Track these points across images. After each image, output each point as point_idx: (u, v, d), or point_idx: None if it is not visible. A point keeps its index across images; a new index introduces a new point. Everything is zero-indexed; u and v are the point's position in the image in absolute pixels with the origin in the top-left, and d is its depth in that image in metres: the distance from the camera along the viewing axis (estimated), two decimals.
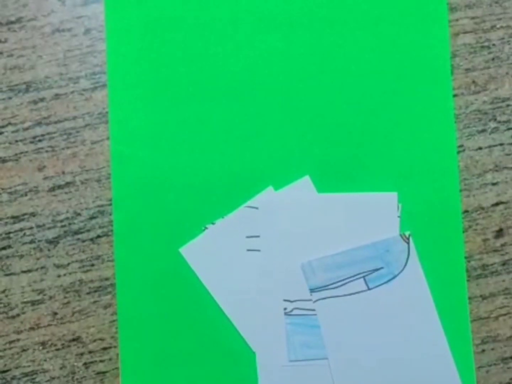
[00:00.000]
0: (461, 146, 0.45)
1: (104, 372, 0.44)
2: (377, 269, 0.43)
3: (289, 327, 0.43)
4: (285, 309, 0.44)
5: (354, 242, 0.44)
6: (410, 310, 0.42)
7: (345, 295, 0.43)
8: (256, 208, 0.44)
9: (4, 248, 0.44)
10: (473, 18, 0.46)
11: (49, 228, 0.45)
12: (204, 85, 0.45)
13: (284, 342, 0.43)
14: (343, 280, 0.43)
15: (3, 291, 0.44)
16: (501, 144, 0.46)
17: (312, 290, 0.43)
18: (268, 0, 0.46)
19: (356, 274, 0.43)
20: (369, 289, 0.43)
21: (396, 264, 0.43)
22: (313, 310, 0.43)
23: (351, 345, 0.43)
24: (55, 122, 0.45)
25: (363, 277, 0.43)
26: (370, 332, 0.43)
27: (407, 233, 0.43)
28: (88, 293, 0.44)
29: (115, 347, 0.44)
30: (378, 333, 0.43)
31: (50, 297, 0.44)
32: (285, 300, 0.44)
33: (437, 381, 0.43)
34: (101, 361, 0.44)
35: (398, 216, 0.44)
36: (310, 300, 0.43)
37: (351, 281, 0.43)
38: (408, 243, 0.43)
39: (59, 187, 0.45)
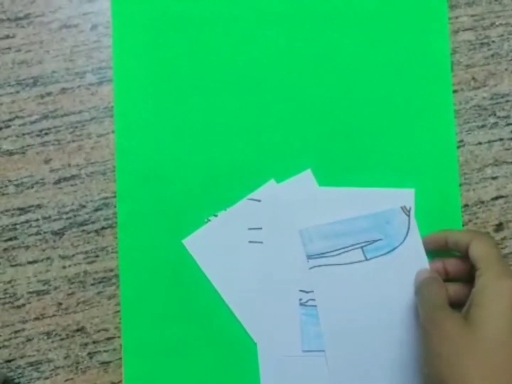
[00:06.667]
0: (461, 141, 0.46)
1: (108, 362, 0.44)
2: (376, 240, 0.42)
3: (303, 317, 0.44)
4: (300, 299, 0.44)
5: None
6: (408, 283, 0.41)
7: (342, 264, 0.43)
8: (259, 200, 0.45)
9: (10, 239, 0.45)
10: (472, 15, 0.47)
11: (54, 220, 0.45)
12: (207, 80, 0.46)
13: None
14: (341, 249, 0.43)
15: (9, 281, 0.45)
16: (501, 139, 0.46)
17: (309, 257, 0.44)
18: None
19: (354, 244, 0.43)
20: (366, 259, 0.43)
21: (396, 237, 0.42)
22: None
23: (345, 314, 0.43)
24: (62, 116, 0.46)
25: (361, 247, 0.43)
26: (365, 302, 0.43)
27: (408, 206, 0.42)
28: (92, 284, 0.45)
29: (119, 337, 0.44)
30: (373, 304, 0.43)
31: (55, 288, 0.45)
32: (300, 291, 0.44)
33: None
34: (105, 351, 0.45)
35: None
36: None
37: (349, 250, 0.43)
38: (408, 216, 0.42)
39: (65, 179, 0.46)
